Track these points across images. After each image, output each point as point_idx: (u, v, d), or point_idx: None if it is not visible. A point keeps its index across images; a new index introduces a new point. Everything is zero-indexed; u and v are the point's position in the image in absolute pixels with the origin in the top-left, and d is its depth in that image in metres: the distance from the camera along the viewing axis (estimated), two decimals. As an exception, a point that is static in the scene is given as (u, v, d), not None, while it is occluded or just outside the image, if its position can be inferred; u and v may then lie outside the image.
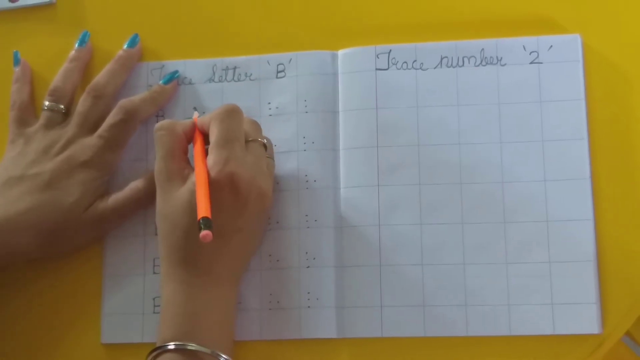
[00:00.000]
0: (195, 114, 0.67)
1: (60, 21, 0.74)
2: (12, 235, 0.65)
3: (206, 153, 0.63)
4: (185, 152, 0.64)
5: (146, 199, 0.67)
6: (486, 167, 0.66)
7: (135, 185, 0.67)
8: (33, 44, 0.73)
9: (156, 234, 0.66)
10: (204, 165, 0.61)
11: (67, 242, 0.67)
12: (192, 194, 0.60)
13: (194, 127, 0.65)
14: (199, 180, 0.60)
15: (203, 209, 0.58)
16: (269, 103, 0.69)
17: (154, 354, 0.60)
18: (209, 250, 0.61)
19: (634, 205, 0.64)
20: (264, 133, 0.68)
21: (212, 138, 0.62)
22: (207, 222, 0.57)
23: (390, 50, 0.68)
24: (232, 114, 0.62)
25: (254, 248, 0.66)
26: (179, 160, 0.63)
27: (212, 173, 0.60)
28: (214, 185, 0.60)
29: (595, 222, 0.64)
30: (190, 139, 0.65)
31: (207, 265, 0.61)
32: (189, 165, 0.63)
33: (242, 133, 0.63)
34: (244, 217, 0.62)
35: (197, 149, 0.63)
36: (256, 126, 0.66)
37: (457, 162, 0.66)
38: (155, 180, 0.63)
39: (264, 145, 0.64)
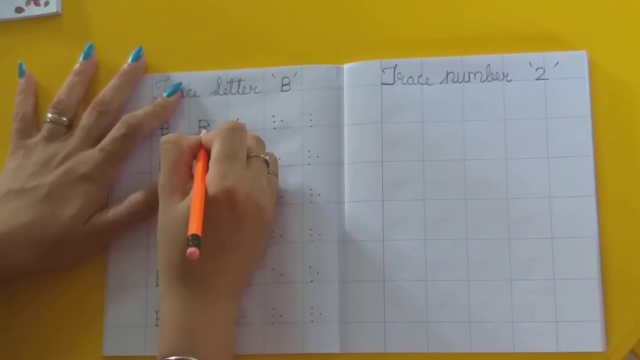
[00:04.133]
0: (203, 132, 0.66)
1: (66, 32, 0.74)
2: (12, 248, 0.65)
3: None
4: (190, 166, 0.64)
5: (146, 212, 0.67)
6: (491, 183, 0.66)
7: (134, 197, 0.67)
8: (38, 55, 0.73)
9: (159, 247, 0.67)
10: (203, 182, 0.61)
11: (67, 255, 0.67)
12: (190, 209, 0.60)
13: (199, 144, 0.65)
14: (195, 197, 0.60)
15: (194, 226, 0.58)
16: (274, 116, 0.69)
17: None
18: (207, 265, 0.61)
19: (638, 222, 0.64)
20: (268, 146, 0.67)
21: (213, 154, 0.62)
22: (195, 240, 0.57)
23: (396, 65, 0.68)
24: (235, 131, 0.62)
25: (254, 264, 0.66)
26: (182, 174, 0.63)
27: (210, 188, 0.60)
28: (211, 200, 0.60)
29: (600, 239, 0.64)
30: (195, 155, 0.64)
31: (205, 281, 0.61)
32: (192, 180, 0.63)
33: (243, 150, 0.63)
34: (241, 233, 0.62)
35: (198, 165, 0.63)
36: (259, 142, 0.66)
37: (462, 177, 0.66)
38: (159, 193, 0.63)
39: (266, 162, 0.64)
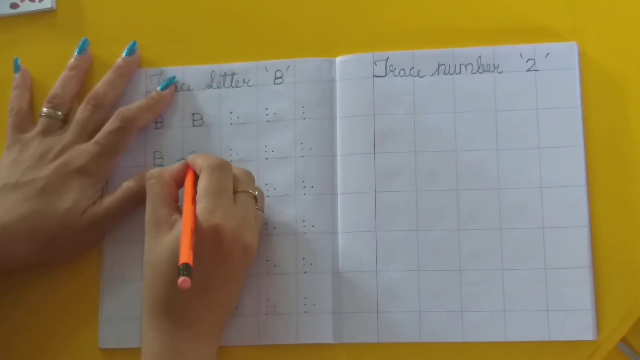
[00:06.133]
0: (191, 155, 0.66)
1: (61, 27, 0.74)
2: (9, 242, 0.65)
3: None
4: (175, 199, 0.65)
5: (138, 199, 0.67)
6: (483, 173, 0.66)
7: (126, 185, 0.68)
8: (33, 50, 0.74)
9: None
10: (191, 213, 0.61)
11: (64, 248, 0.67)
12: (177, 242, 0.60)
13: (183, 172, 0.65)
14: (184, 226, 0.59)
15: (185, 255, 0.57)
16: (267, 109, 0.69)
17: None
18: (192, 301, 0.61)
19: (629, 212, 0.65)
20: (261, 139, 0.68)
21: (200, 188, 0.62)
22: (186, 269, 0.56)
23: (388, 57, 0.69)
24: (222, 168, 0.62)
25: (235, 300, 0.65)
26: (167, 208, 0.63)
27: (198, 222, 0.60)
28: (198, 234, 0.60)
29: (591, 228, 0.65)
30: (180, 184, 0.65)
31: (189, 317, 0.61)
32: (177, 213, 0.63)
33: (230, 186, 0.63)
34: (225, 269, 0.62)
35: (186, 191, 0.63)
36: (249, 176, 0.65)
37: (454, 168, 0.66)
38: (146, 227, 0.63)
39: (255, 198, 0.64)
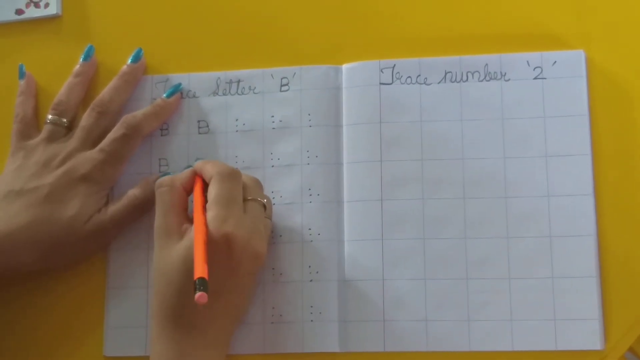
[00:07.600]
0: (197, 162, 0.66)
1: (66, 34, 0.74)
2: (13, 249, 0.65)
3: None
4: (185, 207, 0.64)
5: (144, 206, 0.68)
6: (489, 182, 0.66)
7: (132, 193, 0.68)
8: (38, 56, 0.73)
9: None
10: (203, 223, 0.60)
11: (68, 255, 0.67)
12: (188, 251, 0.60)
13: (192, 179, 0.65)
14: (197, 240, 0.59)
15: (200, 270, 0.57)
16: (273, 116, 0.69)
17: None
18: (202, 309, 0.60)
19: (636, 220, 0.65)
20: (268, 147, 0.68)
21: (211, 197, 0.61)
22: (203, 284, 0.56)
23: (395, 65, 0.69)
24: (232, 176, 0.62)
25: (244, 308, 0.66)
26: (178, 216, 0.63)
27: (209, 232, 0.60)
28: (209, 243, 0.59)
29: (598, 237, 0.64)
30: (189, 191, 0.65)
31: (199, 325, 0.61)
32: (187, 221, 0.63)
33: (240, 195, 0.62)
34: (235, 278, 0.61)
35: (196, 204, 0.63)
36: (258, 184, 0.65)
37: (461, 177, 0.66)
38: (154, 236, 0.63)
39: (264, 206, 0.64)
